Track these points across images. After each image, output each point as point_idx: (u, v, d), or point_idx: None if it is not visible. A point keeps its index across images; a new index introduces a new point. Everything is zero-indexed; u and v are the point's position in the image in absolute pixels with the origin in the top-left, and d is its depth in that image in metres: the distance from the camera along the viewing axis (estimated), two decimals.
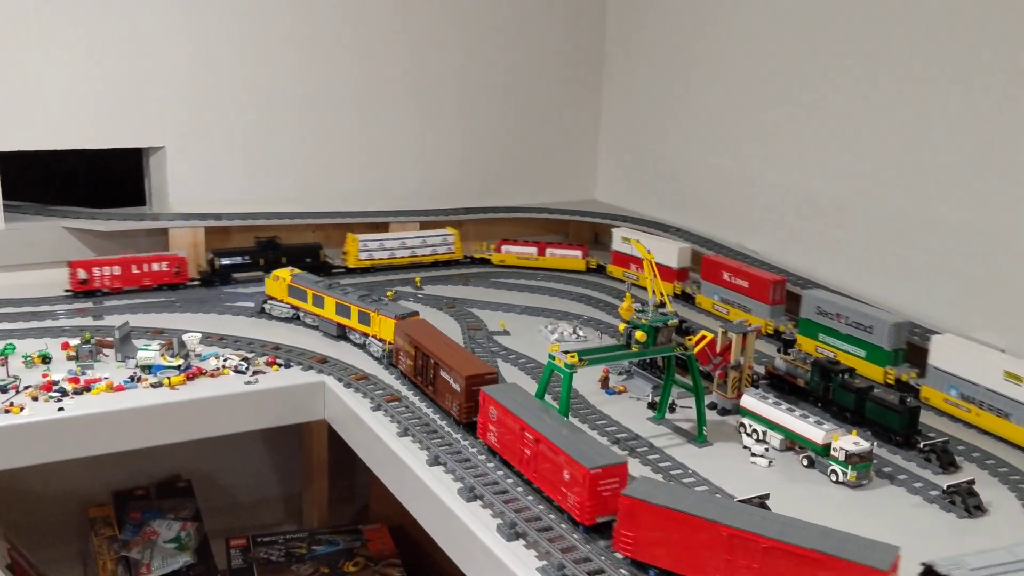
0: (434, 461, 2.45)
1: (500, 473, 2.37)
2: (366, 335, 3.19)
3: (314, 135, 4.30)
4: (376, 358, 3.13)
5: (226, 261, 3.85)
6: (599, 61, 4.88)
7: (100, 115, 3.84)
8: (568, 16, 4.77)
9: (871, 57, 3.47)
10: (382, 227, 4.41)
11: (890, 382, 3.08)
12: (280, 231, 4.22)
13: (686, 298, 3.95)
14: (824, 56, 3.67)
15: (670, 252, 4.04)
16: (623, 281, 4.10)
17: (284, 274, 3.47)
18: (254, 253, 3.89)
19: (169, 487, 4.00)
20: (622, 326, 2.63)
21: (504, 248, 4.22)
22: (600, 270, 4.32)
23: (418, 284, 4.05)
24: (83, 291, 3.61)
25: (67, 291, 3.63)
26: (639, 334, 2.56)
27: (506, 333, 3.52)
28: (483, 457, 2.46)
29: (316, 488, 4.12)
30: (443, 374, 2.68)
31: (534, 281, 4.19)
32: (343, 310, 3.26)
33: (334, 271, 4.07)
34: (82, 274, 3.59)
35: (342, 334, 3.29)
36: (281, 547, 3.68)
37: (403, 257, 4.13)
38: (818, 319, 3.30)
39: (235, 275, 3.87)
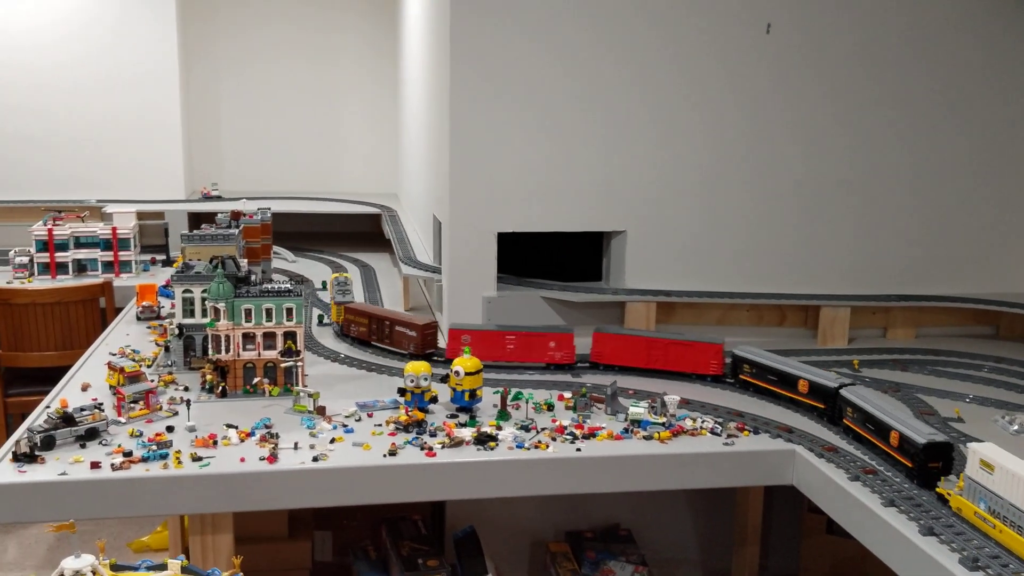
0: (928, 531, 2.61)
1: (1000, 548, 2.49)
2: None
3: (750, 221, 4.63)
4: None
5: None
6: None
7: (578, 202, 4.47)
8: (1004, 88, 4.75)
9: None
10: (812, 311, 4.65)
11: None
12: (710, 309, 4.62)
13: None
14: None
15: None
16: None
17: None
18: None
19: (612, 534, 4.44)
20: None
21: None
22: None
23: (856, 367, 4.21)
24: None
25: None
26: None
27: (961, 420, 3.58)
28: (974, 532, 2.58)
29: (748, 553, 4.37)
30: (399, 328, 4.04)
31: (974, 371, 4.20)
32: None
33: None
34: None
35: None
36: None
37: None
38: None
39: None
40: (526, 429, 3.34)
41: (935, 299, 4.72)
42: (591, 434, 3.31)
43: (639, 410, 3.42)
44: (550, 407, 3.57)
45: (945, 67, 4.64)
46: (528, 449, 3.17)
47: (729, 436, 3.34)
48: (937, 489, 2.79)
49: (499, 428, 3.32)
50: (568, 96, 4.37)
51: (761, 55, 4.48)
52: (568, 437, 3.28)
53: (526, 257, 4.80)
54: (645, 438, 3.30)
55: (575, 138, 4.42)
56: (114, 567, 1.69)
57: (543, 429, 3.34)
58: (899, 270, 4.78)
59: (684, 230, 4.58)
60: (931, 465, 2.84)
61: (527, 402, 3.52)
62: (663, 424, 3.37)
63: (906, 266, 4.79)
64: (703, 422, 3.42)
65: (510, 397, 3.56)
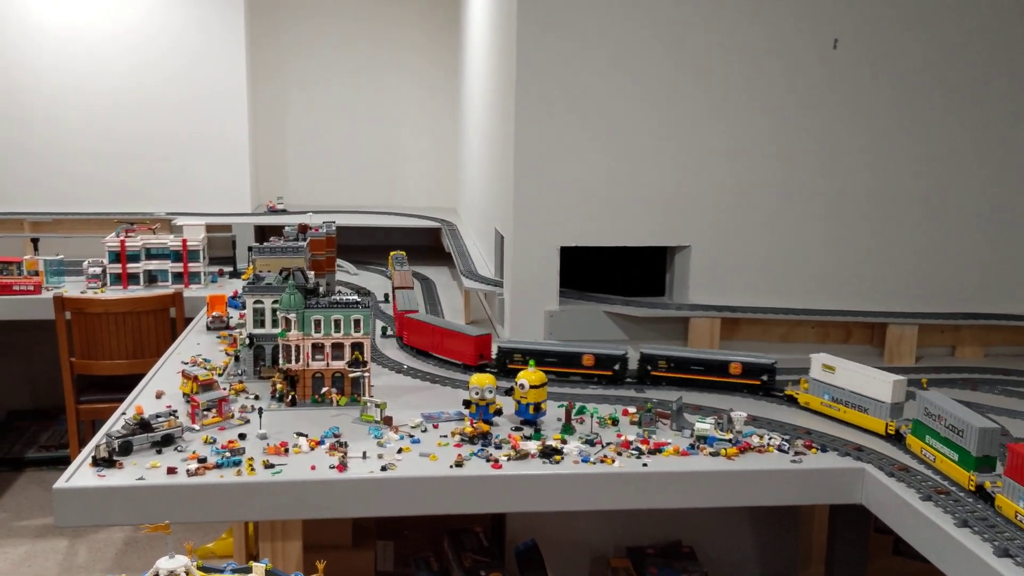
0: (1002, 553, 2.57)
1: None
2: None
3: (815, 238, 4.59)
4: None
5: None
6: None
7: (642, 217, 4.49)
8: None
9: None
10: (879, 328, 4.60)
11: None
12: (775, 325, 4.58)
13: None
14: None
15: None
16: None
17: None
18: None
19: (674, 550, 4.42)
20: None
21: None
22: None
23: (924, 386, 4.15)
24: None
25: None
26: None
27: None
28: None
29: (812, 573, 4.31)
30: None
31: None
32: None
33: None
34: None
35: None
36: None
37: None
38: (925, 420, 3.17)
39: None
40: (591, 443, 3.35)
41: (1005, 318, 4.64)
42: (657, 449, 3.31)
43: (705, 426, 3.41)
44: (615, 422, 3.57)
45: (1020, 79, 4.56)
46: (594, 463, 3.18)
47: (797, 453, 3.31)
48: (787, 391, 3.75)
49: (564, 442, 3.34)
50: (633, 110, 4.40)
51: (830, 71, 4.45)
52: (634, 452, 3.28)
53: (589, 271, 4.81)
54: (711, 454, 3.29)
55: (640, 152, 4.43)
56: (201, 568, 1.74)
57: (608, 444, 3.35)
58: (968, 288, 4.70)
59: (749, 246, 4.56)
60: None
61: (592, 416, 3.53)
62: (729, 440, 3.35)
63: (975, 284, 4.71)
64: (770, 439, 3.39)
65: (574, 411, 3.57)
